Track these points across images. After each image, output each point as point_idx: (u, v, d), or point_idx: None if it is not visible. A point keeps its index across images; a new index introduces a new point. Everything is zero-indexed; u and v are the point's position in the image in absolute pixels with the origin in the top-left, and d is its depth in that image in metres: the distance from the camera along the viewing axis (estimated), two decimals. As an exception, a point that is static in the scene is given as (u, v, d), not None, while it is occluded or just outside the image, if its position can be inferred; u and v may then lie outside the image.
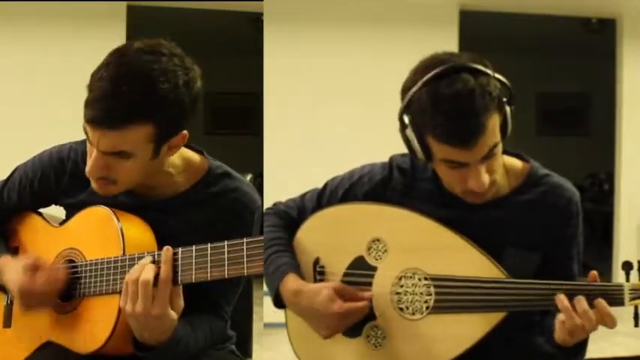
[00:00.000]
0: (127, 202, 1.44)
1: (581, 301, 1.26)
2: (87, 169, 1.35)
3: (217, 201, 1.45)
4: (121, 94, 1.25)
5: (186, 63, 1.33)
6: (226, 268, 1.24)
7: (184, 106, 1.32)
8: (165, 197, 1.45)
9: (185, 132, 1.37)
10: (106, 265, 1.36)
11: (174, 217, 1.44)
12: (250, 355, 1.73)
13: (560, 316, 1.28)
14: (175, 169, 1.45)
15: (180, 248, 1.29)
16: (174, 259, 1.28)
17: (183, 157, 1.47)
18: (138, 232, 1.41)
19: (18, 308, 1.50)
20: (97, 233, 1.41)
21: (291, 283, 1.43)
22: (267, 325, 3.96)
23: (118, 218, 1.39)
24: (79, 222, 1.47)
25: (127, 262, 1.33)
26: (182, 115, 1.33)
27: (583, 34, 6.26)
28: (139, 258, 1.32)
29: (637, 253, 4.78)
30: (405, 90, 1.34)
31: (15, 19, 4.09)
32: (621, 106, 4.87)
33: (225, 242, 1.25)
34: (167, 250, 1.28)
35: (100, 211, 1.42)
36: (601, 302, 1.25)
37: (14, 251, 1.54)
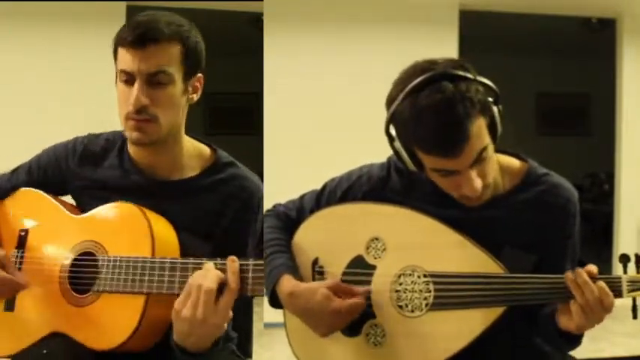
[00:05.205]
0: (140, 182, 1.48)
1: (582, 274, 1.25)
2: (131, 100, 1.38)
3: (224, 187, 1.49)
4: (156, 21, 1.39)
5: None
6: None
7: (199, 42, 1.46)
8: (176, 180, 1.49)
9: (201, 75, 1.48)
10: (132, 264, 1.34)
11: (184, 201, 1.47)
12: (250, 355, 1.73)
13: (572, 302, 1.27)
14: (187, 152, 1.51)
15: (250, 259, 1.26)
16: (242, 271, 1.26)
17: (194, 144, 1.54)
18: (166, 234, 1.40)
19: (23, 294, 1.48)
20: (125, 230, 1.40)
21: (285, 284, 1.43)
22: (267, 325, 3.96)
23: (148, 218, 1.38)
24: (105, 215, 1.45)
25: (157, 265, 1.32)
26: (199, 50, 1.45)
27: (583, 34, 6.26)
28: (172, 263, 1.31)
29: (637, 253, 4.77)
30: (388, 102, 1.34)
31: (15, 19, 4.09)
32: (621, 106, 4.87)
33: None
34: (233, 261, 1.26)
35: (130, 208, 1.42)
36: (599, 282, 1.25)
37: (22, 236, 1.52)
